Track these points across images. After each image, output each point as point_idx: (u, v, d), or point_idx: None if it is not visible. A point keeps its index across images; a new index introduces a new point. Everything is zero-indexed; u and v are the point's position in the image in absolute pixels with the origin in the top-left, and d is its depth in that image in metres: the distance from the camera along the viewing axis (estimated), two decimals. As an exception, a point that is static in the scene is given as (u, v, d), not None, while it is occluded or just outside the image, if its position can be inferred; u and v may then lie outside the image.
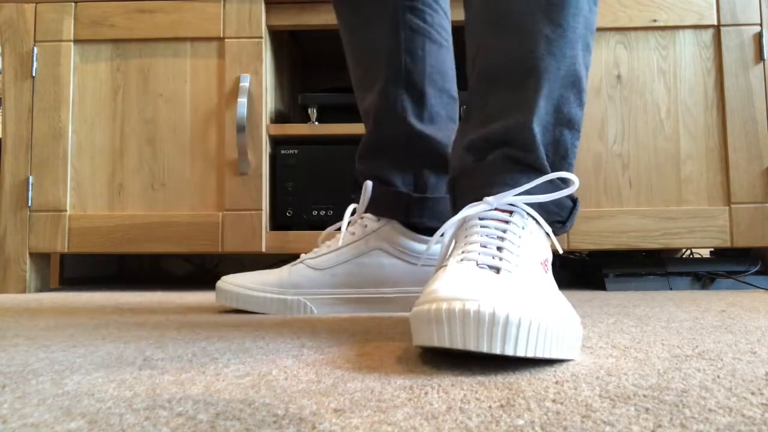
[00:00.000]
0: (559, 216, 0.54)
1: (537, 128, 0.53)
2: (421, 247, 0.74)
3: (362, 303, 0.74)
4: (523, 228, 0.48)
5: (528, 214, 0.50)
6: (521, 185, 0.50)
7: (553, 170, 0.54)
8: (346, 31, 0.79)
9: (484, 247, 0.46)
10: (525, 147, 0.53)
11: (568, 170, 0.55)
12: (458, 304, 0.36)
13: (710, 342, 0.49)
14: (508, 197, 0.49)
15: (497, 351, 0.35)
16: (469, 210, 0.49)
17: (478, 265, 0.43)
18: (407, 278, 0.74)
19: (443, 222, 0.50)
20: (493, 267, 0.43)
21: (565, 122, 0.55)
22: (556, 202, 0.52)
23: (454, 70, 0.78)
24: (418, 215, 0.74)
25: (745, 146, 1.16)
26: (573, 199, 0.55)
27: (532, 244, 0.48)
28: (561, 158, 0.55)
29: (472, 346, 0.35)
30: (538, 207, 0.51)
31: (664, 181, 1.17)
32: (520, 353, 0.36)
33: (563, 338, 0.39)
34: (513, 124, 0.54)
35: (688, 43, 1.19)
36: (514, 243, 0.46)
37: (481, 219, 0.49)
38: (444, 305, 0.36)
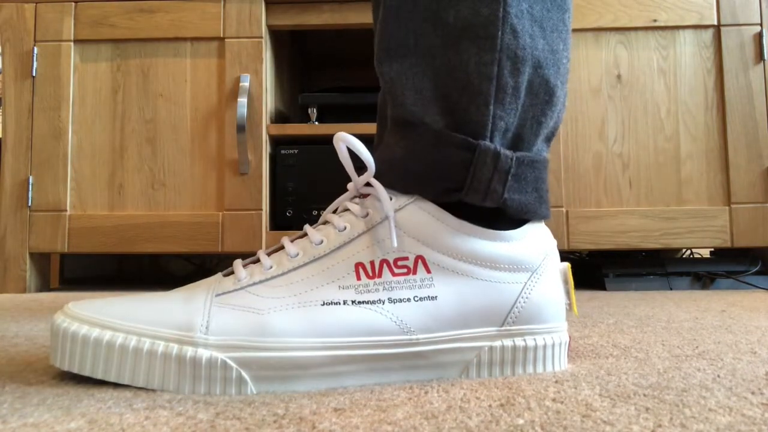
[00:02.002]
0: (449, 182, 0.38)
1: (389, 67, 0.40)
2: None
3: None
4: (363, 216, 0.38)
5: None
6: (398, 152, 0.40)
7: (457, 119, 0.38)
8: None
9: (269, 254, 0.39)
10: (393, 98, 0.40)
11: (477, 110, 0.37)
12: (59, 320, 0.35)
13: (710, 342, 0.49)
14: (363, 177, 0.39)
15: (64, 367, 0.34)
16: (332, 205, 0.42)
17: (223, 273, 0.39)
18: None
19: None
20: (240, 282, 0.37)
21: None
22: (433, 165, 0.38)
23: None
24: None
25: (745, 146, 1.16)
26: (470, 147, 0.37)
27: (356, 240, 0.38)
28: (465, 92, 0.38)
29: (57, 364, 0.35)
30: (398, 178, 0.39)
31: (664, 181, 1.17)
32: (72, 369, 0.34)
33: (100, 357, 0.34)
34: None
35: (689, 43, 1.19)
36: (312, 242, 0.38)
37: (340, 212, 0.41)
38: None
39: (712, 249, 1.26)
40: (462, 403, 0.30)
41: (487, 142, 0.37)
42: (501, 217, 0.39)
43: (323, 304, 0.36)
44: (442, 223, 0.38)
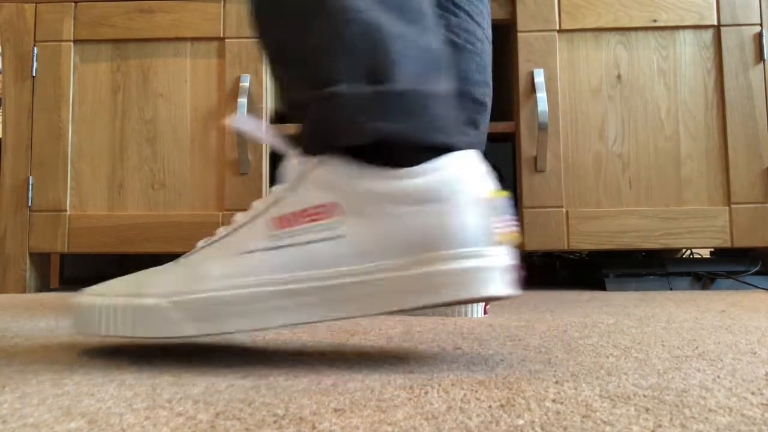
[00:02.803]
0: (326, 136, 0.42)
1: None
2: None
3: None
4: (298, 177, 0.42)
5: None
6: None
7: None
8: None
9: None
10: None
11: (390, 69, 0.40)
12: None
13: (710, 342, 0.49)
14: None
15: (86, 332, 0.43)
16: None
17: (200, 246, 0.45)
18: None
19: None
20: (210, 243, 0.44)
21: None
22: (308, 124, 0.44)
23: (486, 72, 0.77)
24: None
25: (745, 146, 1.16)
26: (326, 96, 0.41)
27: (276, 202, 0.42)
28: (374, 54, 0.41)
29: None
30: (312, 136, 0.43)
31: (664, 181, 1.17)
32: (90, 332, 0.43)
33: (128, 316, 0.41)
34: None
35: (688, 43, 1.19)
36: (264, 201, 0.43)
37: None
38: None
39: (712, 249, 1.26)
40: (462, 404, 0.30)
41: (337, 87, 0.40)
42: (417, 155, 0.40)
43: (243, 253, 0.41)
44: (350, 171, 0.40)
